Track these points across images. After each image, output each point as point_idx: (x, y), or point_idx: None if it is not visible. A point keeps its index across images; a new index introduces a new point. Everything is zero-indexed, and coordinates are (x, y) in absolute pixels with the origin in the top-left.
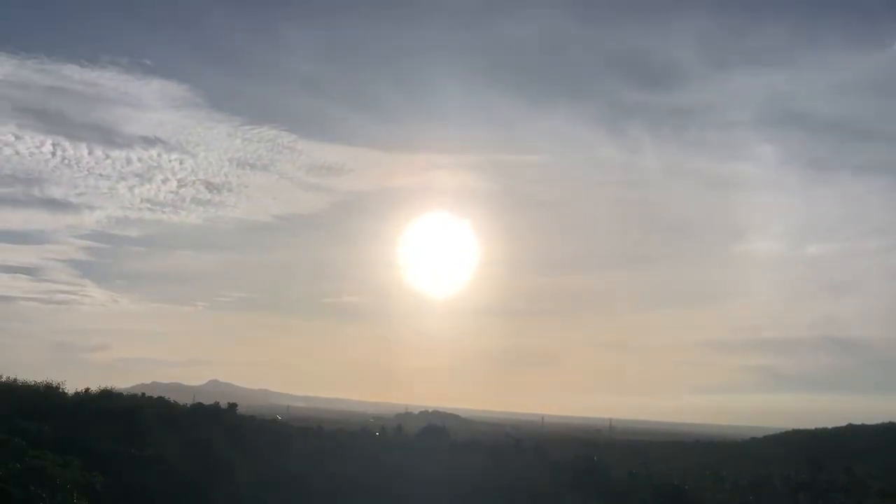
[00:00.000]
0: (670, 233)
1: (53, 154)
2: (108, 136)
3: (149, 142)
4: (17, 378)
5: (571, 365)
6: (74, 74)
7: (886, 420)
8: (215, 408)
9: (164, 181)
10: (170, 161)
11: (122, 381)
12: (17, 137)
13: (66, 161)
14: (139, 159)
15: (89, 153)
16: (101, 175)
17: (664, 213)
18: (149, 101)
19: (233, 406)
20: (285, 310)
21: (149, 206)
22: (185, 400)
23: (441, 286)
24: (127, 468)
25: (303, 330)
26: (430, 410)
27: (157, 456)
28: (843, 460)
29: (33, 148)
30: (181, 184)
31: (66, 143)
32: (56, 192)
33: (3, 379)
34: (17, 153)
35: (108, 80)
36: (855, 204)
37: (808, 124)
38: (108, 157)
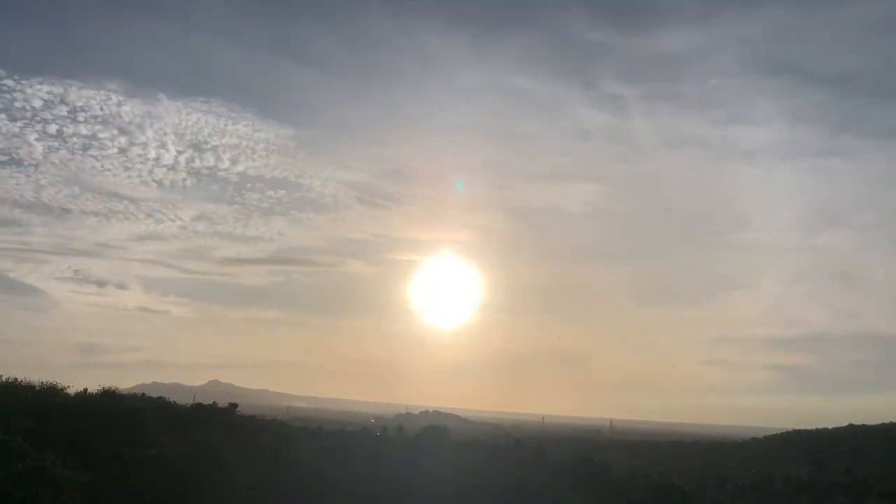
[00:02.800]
0: (670, 218)
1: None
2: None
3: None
4: (18, 378)
5: (571, 365)
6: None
7: (887, 420)
8: (215, 408)
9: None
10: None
11: (130, 382)
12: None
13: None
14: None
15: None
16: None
17: (661, 195)
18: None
19: (233, 406)
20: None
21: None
22: (186, 400)
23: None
24: (127, 469)
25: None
26: (430, 410)
27: (158, 456)
28: (844, 461)
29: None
30: (269, 200)
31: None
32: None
33: (4, 379)
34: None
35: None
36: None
37: (820, 77)
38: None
